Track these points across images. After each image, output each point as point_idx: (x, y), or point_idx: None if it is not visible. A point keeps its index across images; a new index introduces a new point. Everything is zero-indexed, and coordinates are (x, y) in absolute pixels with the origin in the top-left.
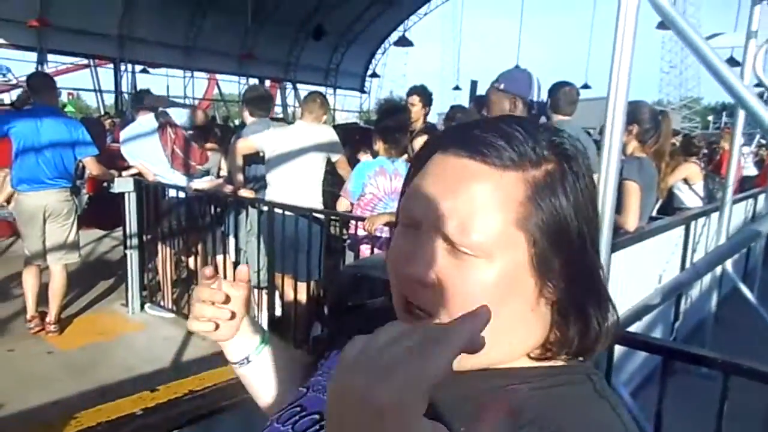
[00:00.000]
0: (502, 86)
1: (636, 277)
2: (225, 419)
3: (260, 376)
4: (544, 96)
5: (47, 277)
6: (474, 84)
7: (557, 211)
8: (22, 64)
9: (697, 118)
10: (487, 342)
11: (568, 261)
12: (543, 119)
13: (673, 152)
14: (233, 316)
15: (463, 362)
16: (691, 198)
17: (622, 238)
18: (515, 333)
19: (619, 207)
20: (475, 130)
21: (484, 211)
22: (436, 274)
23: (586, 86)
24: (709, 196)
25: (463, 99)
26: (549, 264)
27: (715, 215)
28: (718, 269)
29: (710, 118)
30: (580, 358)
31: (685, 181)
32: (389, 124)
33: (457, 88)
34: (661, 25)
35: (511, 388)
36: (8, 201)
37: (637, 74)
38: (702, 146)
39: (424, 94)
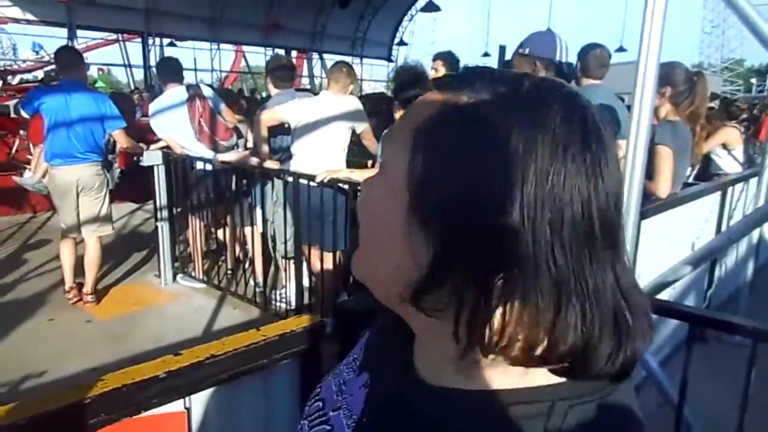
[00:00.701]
0: (526, 51)
1: (668, 245)
2: (245, 383)
3: None
4: (573, 59)
5: (83, 250)
6: (503, 49)
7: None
8: (53, 40)
9: (740, 81)
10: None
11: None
12: (573, 83)
13: (711, 116)
14: None
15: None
16: (729, 163)
17: (652, 205)
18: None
19: (650, 172)
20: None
21: (404, 126)
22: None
23: (621, 49)
24: (749, 161)
25: (492, 65)
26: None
27: (753, 181)
28: (755, 236)
29: (753, 80)
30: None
31: (724, 146)
32: (411, 94)
33: (486, 54)
34: None
35: None
36: (44, 175)
37: (676, 35)
38: (743, 110)
39: (449, 60)
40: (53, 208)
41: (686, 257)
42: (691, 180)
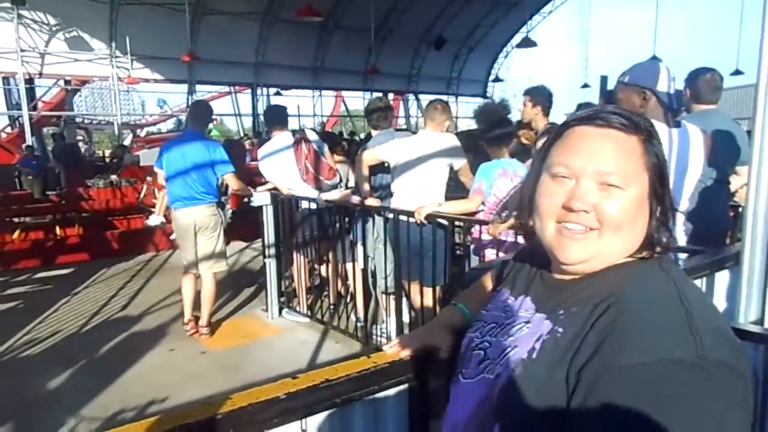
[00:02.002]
0: (626, 79)
1: None
2: (356, 408)
3: None
4: (679, 86)
5: (200, 285)
6: (604, 80)
7: (658, 159)
8: (175, 96)
9: None
10: (621, 253)
11: (664, 188)
12: (683, 112)
13: None
14: None
15: (598, 263)
16: None
17: None
18: (638, 240)
19: None
20: (605, 113)
21: (623, 159)
22: (594, 204)
23: (738, 72)
24: None
25: (593, 96)
26: (657, 190)
27: None
28: None
29: None
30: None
31: None
32: (498, 133)
33: (585, 85)
34: None
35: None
36: (167, 218)
37: None
38: None
39: (535, 94)
40: (173, 247)
41: None
42: None
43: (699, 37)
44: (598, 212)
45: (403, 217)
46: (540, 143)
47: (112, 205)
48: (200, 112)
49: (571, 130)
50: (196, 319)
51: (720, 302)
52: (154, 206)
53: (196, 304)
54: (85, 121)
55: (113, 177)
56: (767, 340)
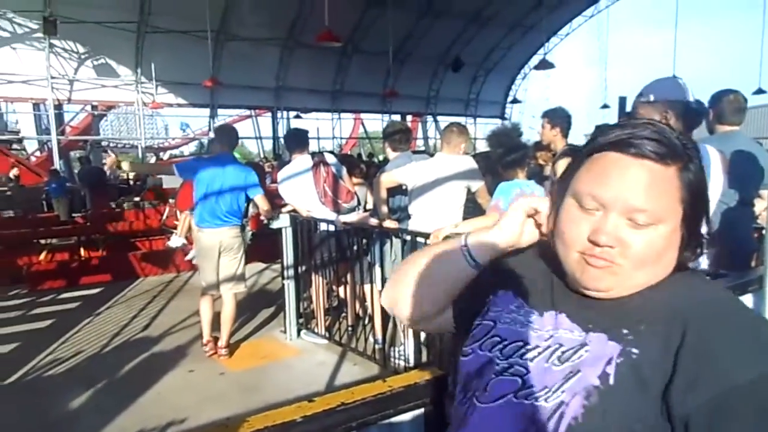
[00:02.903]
0: (651, 98)
1: None
2: (373, 431)
3: None
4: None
5: (219, 306)
6: (623, 100)
7: (696, 188)
8: (197, 119)
9: None
10: (647, 283)
11: (698, 213)
12: (705, 127)
13: None
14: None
15: (623, 291)
16: None
17: None
18: (667, 271)
19: None
20: (635, 137)
21: (657, 195)
22: (621, 240)
23: (760, 91)
24: None
25: (612, 117)
26: (691, 221)
27: None
28: None
29: None
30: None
31: None
32: (513, 158)
33: (605, 106)
34: None
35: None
36: (188, 239)
37: None
38: None
39: (553, 116)
40: (193, 268)
41: None
42: None
43: (719, 56)
44: (624, 247)
45: (420, 239)
46: (560, 164)
47: (135, 227)
48: (228, 136)
49: (602, 155)
50: (215, 340)
51: None
52: (175, 227)
53: (215, 325)
54: (111, 144)
55: (136, 199)
56: None
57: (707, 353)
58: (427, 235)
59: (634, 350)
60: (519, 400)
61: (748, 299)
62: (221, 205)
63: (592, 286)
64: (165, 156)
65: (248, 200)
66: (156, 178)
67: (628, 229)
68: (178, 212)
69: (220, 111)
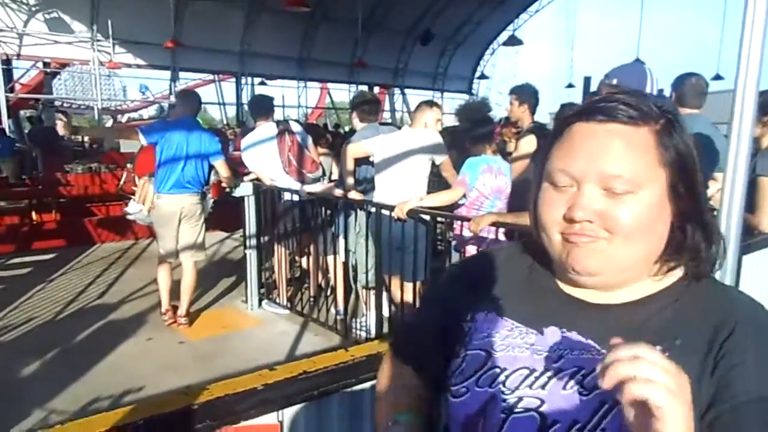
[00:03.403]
0: (614, 82)
1: None
2: (333, 401)
3: None
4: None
5: (177, 275)
6: (587, 81)
7: (680, 149)
8: (157, 82)
9: None
10: (639, 263)
11: (692, 186)
12: None
13: None
14: None
15: (615, 274)
16: None
17: (755, 239)
18: (658, 247)
19: (751, 206)
20: (603, 103)
21: (632, 159)
22: (599, 212)
23: (718, 77)
24: None
25: (577, 97)
26: (681, 188)
27: None
28: None
29: None
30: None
31: None
32: (480, 132)
33: (570, 86)
34: None
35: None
36: (149, 209)
37: None
38: None
39: (521, 92)
40: (153, 236)
41: None
42: None
43: (682, 40)
44: (605, 220)
45: (385, 212)
46: (523, 142)
47: (91, 192)
48: (191, 100)
49: (569, 130)
50: (174, 308)
51: None
52: (134, 194)
53: (174, 294)
54: (64, 105)
55: (92, 164)
56: None
57: (742, 364)
58: (391, 208)
59: None
60: None
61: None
62: (184, 171)
63: (580, 269)
64: (123, 119)
65: (211, 167)
66: (114, 142)
67: (607, 200)
68: (136, 178)
69: (181, 74)
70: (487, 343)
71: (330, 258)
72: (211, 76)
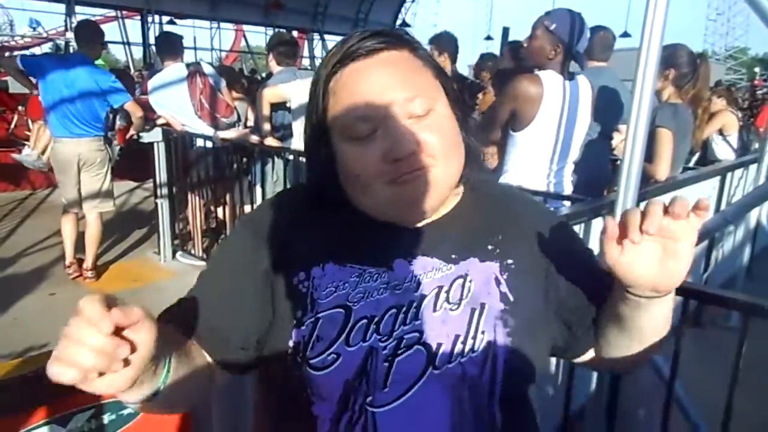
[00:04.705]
0: (553, 27)
1: None
2: None
3: (172, 396)
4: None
5: (83, 226)
6: (506, 31)
7: (435, 64)
8: (50, 16)
9: (743, 70)
10: (455, 178)
11: (456, 93)
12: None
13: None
14: (127, 363)
15: (434, 211)
16: (724, 150)
17: (651, 188)
18: (462, 155)
19: (650, 155)
20: (359, 41)
21: (415, 77)
22: (418, 140)
23: (626, 35)
24: (743, 147)
25: (495, 49)
26: (453, 97)
27: (753, 167)
28: (753, 221)
29: (757, 69)
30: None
31: (720, 131)
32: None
33: (489, 38)
34: None
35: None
36: (43, 152)
37: (682, 22)
38: (746, 98)
39: (440, 41)
40: (52, 185)
41: None
42: (691, 165)
43: None
44: (425, 147)
45: (303, 159)
46: None
47: None
48: (90, 35)
49: (336, 79)
50: (80, 261)
51: (595, 245)
52: (27, 139)
53: (79, 246)
54: None
55: None
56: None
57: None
58: None
59: (509, 261)
60: (441, 369)
61: (599, 222)
62: (76, 113)
63: (418, 208)
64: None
65: (114, 111)
66: (1, 80)
67: (415, 125)
68: (29, 121)
69: (78, 9)
70: (341, 297)
71: (247, 207)
72: (113, 13)
